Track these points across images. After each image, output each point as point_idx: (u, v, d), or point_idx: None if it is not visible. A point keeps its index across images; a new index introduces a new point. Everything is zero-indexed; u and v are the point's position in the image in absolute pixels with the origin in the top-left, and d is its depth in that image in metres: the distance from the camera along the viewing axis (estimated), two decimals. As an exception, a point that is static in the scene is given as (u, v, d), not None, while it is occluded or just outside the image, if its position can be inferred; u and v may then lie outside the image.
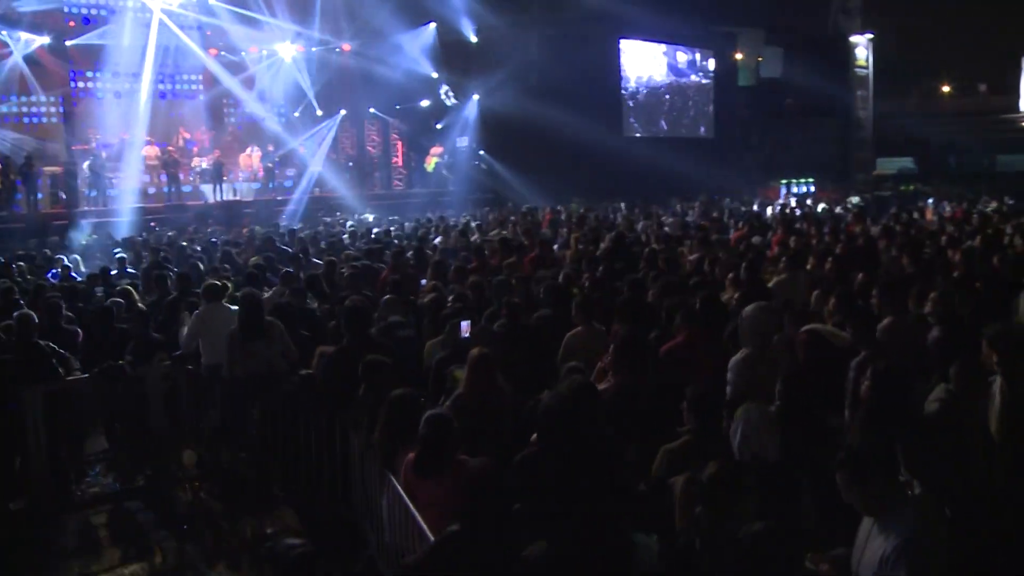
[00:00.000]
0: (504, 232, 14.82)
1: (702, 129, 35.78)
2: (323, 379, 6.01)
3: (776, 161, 34.28)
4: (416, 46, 25.38)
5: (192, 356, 7.33)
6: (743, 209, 20.12)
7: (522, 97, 23.80)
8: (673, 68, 34.66)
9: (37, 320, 7.09)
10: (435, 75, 26.44)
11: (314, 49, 26.31)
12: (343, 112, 27.64)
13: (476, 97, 26.20)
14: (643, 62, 32.85)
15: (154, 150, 23.55)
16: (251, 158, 25.66)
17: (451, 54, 26.17)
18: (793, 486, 4.25)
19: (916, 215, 17.70)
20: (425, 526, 4.02)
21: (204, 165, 24.15)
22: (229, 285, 8.66)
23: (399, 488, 4.36)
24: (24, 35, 21.73)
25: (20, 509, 6.65)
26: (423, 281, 9.32)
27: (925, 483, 3.80)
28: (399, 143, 29.71)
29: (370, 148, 29.83)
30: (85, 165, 21.83)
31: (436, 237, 14.95)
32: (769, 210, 20.08)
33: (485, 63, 25.49)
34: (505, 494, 4.07)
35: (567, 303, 6.89)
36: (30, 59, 22.15)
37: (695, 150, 30.75)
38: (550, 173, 23.98)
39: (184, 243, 15.05)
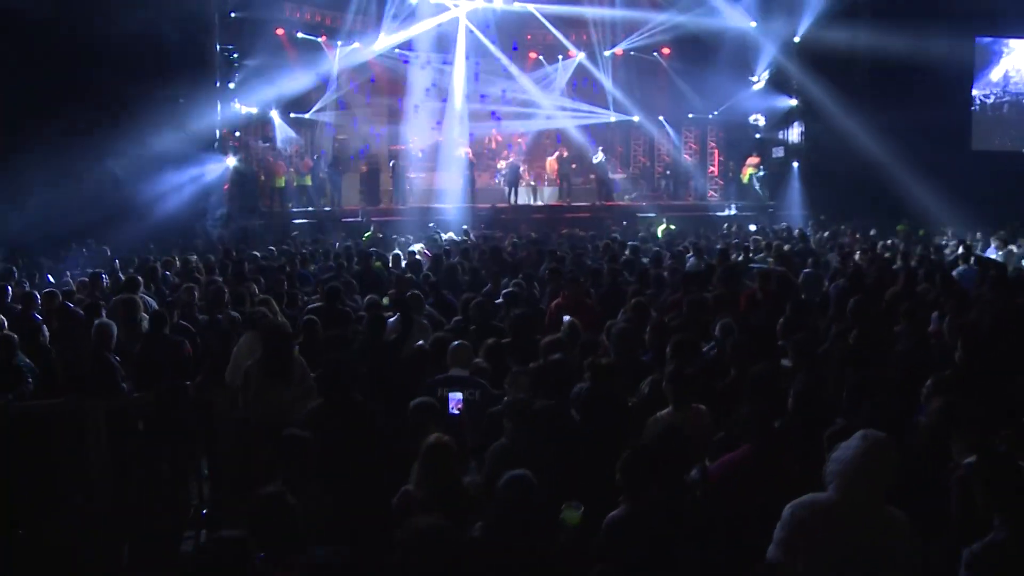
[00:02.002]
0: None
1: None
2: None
3: None
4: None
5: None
6: None
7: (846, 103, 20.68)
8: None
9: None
10: (755, 79, 24.04)
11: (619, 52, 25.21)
12: (636, 118, 26.19)
13: (794, 102, 23.27)
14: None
15: (464, 151, 23.87)
16: (555, 162, 25.20)
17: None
18: None
19: None
20: None
21: (502, 167, 24.07)
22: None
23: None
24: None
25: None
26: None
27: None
28: (715, 151, 27.60)
29: (687, 156, 28.02)
30: (390, 164, 22.73)
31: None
32: None
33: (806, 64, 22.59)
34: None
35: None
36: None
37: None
38: (876, 189, 20.53)
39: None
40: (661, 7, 23.74)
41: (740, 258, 13.16)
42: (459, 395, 4.65)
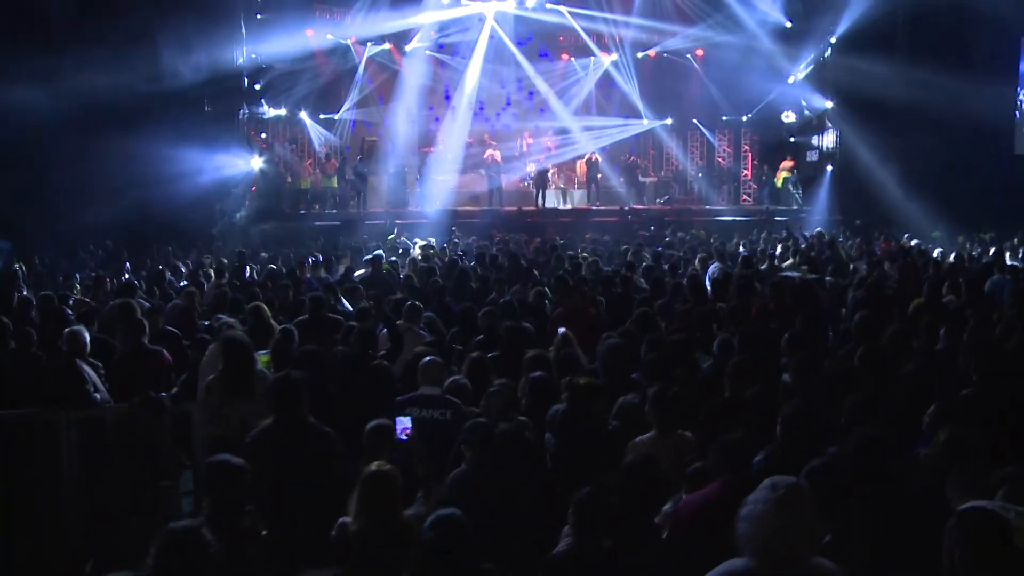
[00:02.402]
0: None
1: None
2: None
3: None
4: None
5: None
6: None
7: (881, 103, 19.98)
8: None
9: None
10: (790, 80, 23.41)
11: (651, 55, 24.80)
12: (668, 120, 25.73)
13: (829, 104, 22.60)
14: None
15: (491, 153, 23.56)
16: (585, 165, 24.79)
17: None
18: None
19: None
20: None
21: (530, 170, 23.71)
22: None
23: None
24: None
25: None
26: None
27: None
28: (749, 155, 27.00)
29: (719, 159, 27.46)
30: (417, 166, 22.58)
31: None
32: None
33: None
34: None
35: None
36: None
37: None
38: (914, 194, 19.81)
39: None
40: (691, 20, 23.36)
41: (765, 266, 12.66)
42: (407, 420, 4.32)
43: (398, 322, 7.63)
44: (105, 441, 6.24)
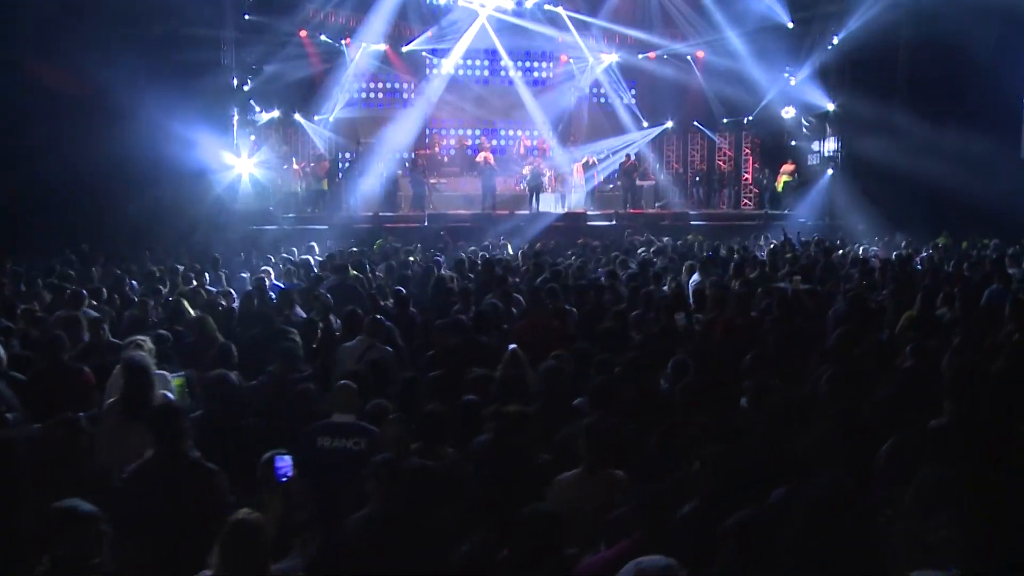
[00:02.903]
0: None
1: None
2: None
3: None
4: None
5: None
6: None
7: (885, 106, 19.42)
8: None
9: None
10: (792, 80, 22.85)
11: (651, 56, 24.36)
12: (669, 124, 25.27)
13: (831, 107, 22.01)
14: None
15: (484, 156, 23.09)
16: (582, 168, 24.29)
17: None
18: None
19: None
20: None
21: (526, 173, 23.21)
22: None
23: None
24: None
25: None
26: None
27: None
28: (750, 158, 26.44)
29: (720, 163, 26.91)
30: (400, 173, 22.17)
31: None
32: None
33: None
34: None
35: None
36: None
37: None
38: (918, 198, 19.24)
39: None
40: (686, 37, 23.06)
41: (755, 274, 12.02)
42: (287, 459, 3.84)
43: (358, 337, 7.18)
44: (16, 465, 5.81)
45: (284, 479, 3.73)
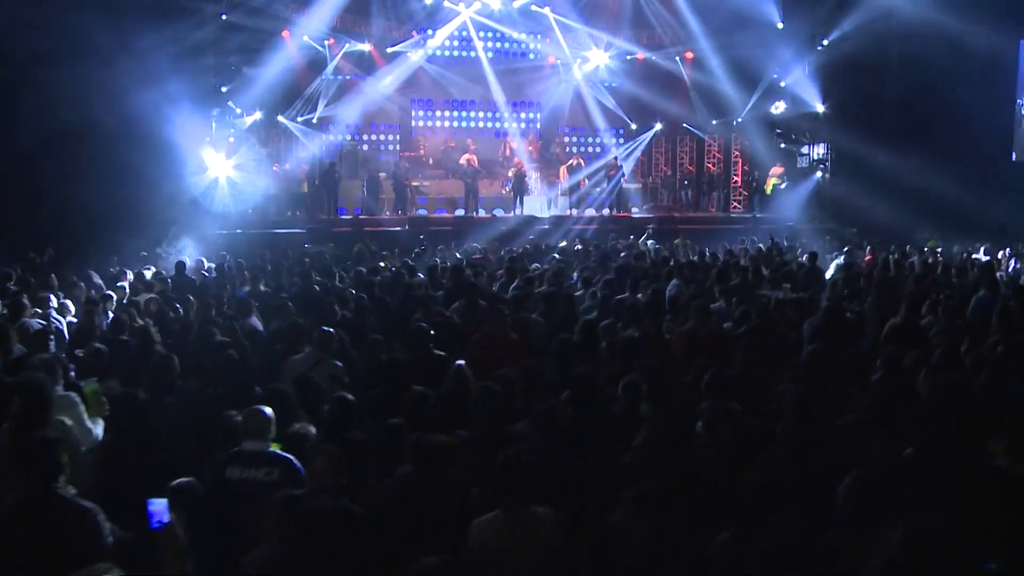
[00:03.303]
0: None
1: None
2: None
3: None
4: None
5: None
6: None
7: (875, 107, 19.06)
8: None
9: None
10: (782, 83, 22.44)
11: (640, 57, 24.00)
12: (658, 126, 24.91)
13: (821, 109, 21.58)
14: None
15: (467, 158, 22.64)
16: (567, 171, 23.84)
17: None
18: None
19: None
20: None
21: (510, 175, 22.76)
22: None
23: None
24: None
25: None
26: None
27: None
28: (740, 161, 26.02)
29: (709, 165, 26.48)
30: (382, 175, 21.73)
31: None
32: None
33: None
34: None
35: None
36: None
37: None
38: (901, 198, 18.83)
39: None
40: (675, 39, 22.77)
41: (737, 281, 11.48)
42: (162, 504, 3.42)
43: (307, 350, 6.76)
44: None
45: (158, 526, 3.31)
